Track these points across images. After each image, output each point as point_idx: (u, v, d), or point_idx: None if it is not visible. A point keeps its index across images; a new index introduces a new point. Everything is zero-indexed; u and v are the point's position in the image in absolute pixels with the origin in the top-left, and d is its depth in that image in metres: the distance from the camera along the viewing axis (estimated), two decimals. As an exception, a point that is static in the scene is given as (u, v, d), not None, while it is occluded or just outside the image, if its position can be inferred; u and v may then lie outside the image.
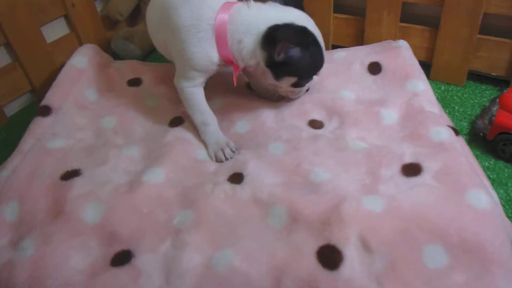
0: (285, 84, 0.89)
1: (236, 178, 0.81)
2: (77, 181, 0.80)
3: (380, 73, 1.02)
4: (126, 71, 1.14)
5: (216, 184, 0.79)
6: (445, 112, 1.00)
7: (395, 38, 1.16)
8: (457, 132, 0.88)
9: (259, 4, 0.84)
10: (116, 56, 1.35)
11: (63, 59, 1.21)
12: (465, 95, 1.10)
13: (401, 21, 1.14)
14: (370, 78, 1.03)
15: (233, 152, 0.87)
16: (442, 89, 1.13)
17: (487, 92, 1.11)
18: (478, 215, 0.68)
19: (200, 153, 0.89)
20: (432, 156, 0.79)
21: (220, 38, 0.83)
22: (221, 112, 0.99)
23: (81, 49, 1.13)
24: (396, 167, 0.79)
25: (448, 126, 0.87)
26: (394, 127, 0.89)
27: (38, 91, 1.21)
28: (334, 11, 1.23)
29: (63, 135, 0.92)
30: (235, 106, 1.01)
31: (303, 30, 0.82)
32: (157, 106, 1.03)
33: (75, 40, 1.30)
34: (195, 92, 0.90)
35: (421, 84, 0.96)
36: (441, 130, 0.84)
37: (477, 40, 1.06)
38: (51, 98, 0.99)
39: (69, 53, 1.21)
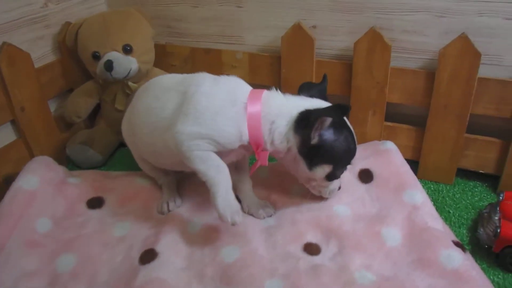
0: (319, 174, 0.84)
1: (231, 335, 0.67)
2: None
3: (372, 182, 0.96)
4: (86, 188, 1.00)
5: None
6: (442, 218, 0.93)
7: (380, 137, 1.11)
8: (463, 248, 0.81)
9: (288, 94, 0.85)
10: (71, 163, 1.20)
11: (8, 171, 1.07)
12: (456, 196, 1.05)
13: (386, 120, 1.10)
14: (362, 187, 0.95)
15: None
16: (432, 189, 1.08)
17: (476, 189, 1.07)
18: None
19: (181, 296, 0.74)
20: (450, 290, 0.70)
21: (253, 118, 0.81)
22: (202, 236, 0.87)
23: (30, 165, 0.97)
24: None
25: (454, 242, 0.80)
26: (400, 250, 0.81)
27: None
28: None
29: (7, 285, 0.75)
30: (219, 228, 0.88)
31: (338, 110, 0.77)
32: (125, 235, 0.88)
33: (23, 147, 1.14)
34: (206, 151, 0.81)
35: (419, 195, 0.90)
36: (452, 254, 0.77)
37: (464, 140, 1.03)
38: (-8, 234, 0.82)
39: (16, 164, 1.08)
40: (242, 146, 0.83)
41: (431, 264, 0.76)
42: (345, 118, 0.84)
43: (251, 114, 0.80)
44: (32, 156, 1.12)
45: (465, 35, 0.92)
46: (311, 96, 0.85)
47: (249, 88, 0.85)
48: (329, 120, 0.78)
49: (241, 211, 0.79)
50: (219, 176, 0.80)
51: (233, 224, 0.77)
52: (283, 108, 0.81)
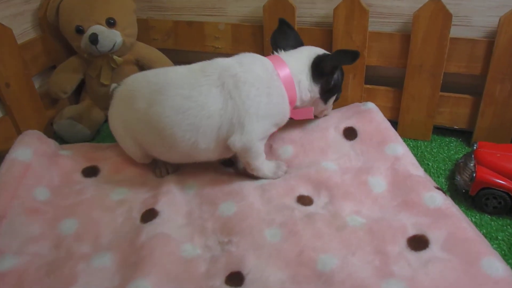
0: (329, 103, 1.00)
1: (235, 279, 0.71)
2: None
3: (357, 138, 1.01)
4: (79, 159, 1.01)
5: (213, 290, 0.68)
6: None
7: (360, 100, 1.16)
8: (444, 192, 0.88)
9: (289, 51, 0.95)
10: (59, 139, 1.21)
11: None
12: (434, 150, 1.12)
13: (365, 83, 1.16)
14: (347, 144, 1.00)
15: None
16: (411, 145, 1.14)
17: (452, 144, 1.14)
18: (498, 286, 0.67)
19: (185, 248, 0.78)
20: (434, 225, 0.78)
21: (287, 82, 0.88)
22: (199, 195, 0.91)
23: (22, 138, 0.97)
24: (402, 242, 0.76)
25: (436, 187, 0.87)
26: (386, 196, 0.87)
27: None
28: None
29: (12, 251, 0.76)
30: (215, 186, 0.92)
31: (352, 56, 0.88)
32: (123, 198, 0.90)
33: (10, 124, 1.13)
34: (262, 144, 0.89)
35: (400, 147, 0.96)
36: (434, 195, 0.83)
37: (439, 98, 1.10)
38: (-8, 204, 0.83)
39: (3, 141, 1.08)
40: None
41: (415, 205, 0.82)
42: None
43: (285, 80, 0.87)
44: (19, 133, 1.11)
45: (438, -3, 0.97)
46: (295, 46, 0.96)
47: (267, 59, 0.90)
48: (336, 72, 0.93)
49: (279, 163, 0.94)
50: (262, 161, 0.90)
51: (283, 174, 0.92)
52: (299, 66, 0.91)
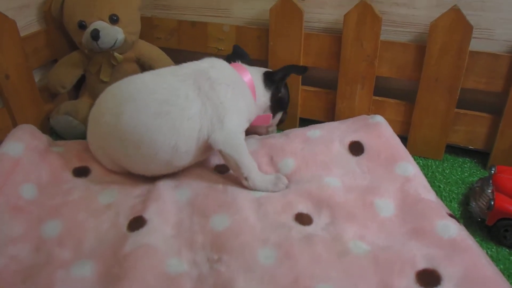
0: (276, 119, 1.07)
1: (223, 302, 0.66)
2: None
3: (363, 154, 0.95)
4: (70, 157, 0.97)
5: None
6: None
7: (368, 112, 1.11)
8: (458, 221, 0.80)
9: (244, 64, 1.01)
10: (54, 134, 1.18)
11: None
12: (446, 171, 1.05)
13: (374, 94, 1.09)
14: (353, 159, 0.94)
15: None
16: (421, 164, 1.08)
17: (466, 165, 1.07)
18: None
19: (171, 263, 0.73)
20: (448, 259, 0.70)
21: (250, 86, 0.96)
22: (191, 204, 0.85)
23: (15, 132, 0.94)
24: (411, 275, 0.68)
25: (449, 215, 0.80)
26: (393, 221, 0.80)
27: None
28: (302, 83, 1.16)
29: (-9, 250, 0.72)
30: (208, 194, 0.87)
31: (302, 68, 1.03)
32: (112, 202, 0.85)
33: (7, 116, 1.10)
34: (242, 137, 0.91)
35: (411, 167, 0.89)
36: (448, 224, 0.76)
37: (454, 114, 1.03)
38: (-24, 199, 0.79)
39: None
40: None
41: (427, 234, 0.75)
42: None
43: (248, 83, 0.95)
44: (15, 125, 1.09)
45: (457, 7, 0.91)
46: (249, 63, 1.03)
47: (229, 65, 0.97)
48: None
49: (278, 175, 0.90)
50: (250, 160, 0.88)
51: (284, 188, 0.88)
52: (255, 73, 0.99)
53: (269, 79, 1.00)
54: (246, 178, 0.87)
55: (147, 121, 0.83)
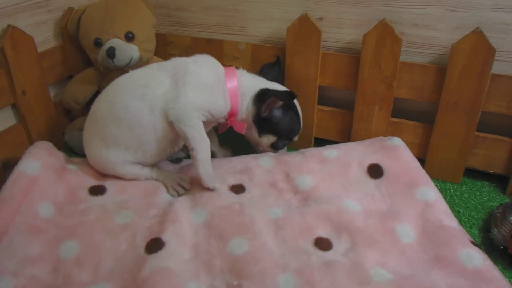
0: (265, 142, 1.03)
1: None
2: None
3: (382, 177, 0.93)
4: (87, 175, 0.97)
5: None
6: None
7: (385, 133, 1.10)
8: (481, 249, 0.79)
9: (253, 74, 1.03)
10: (68, 150, 1.17)
11: (6, 155, 1.04)
12: (464, 195, 1.04)
13: (391, 116, 1.09)
14: (372, 183, 0.93)
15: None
16: (439, 187, 1.06)
17: (484, 189, 1.06)
18: None
19: (190, 286, 0.71)
20: (474, 290, 0.68)
21: (232, 92, 0.96)
22: (207, 225, 0.84)
23: (32, 150, 0.93)
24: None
25: (471, 242, 0.78)
26: (415, 248, 0.79)
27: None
28: (319, 103, 1.15)
29: (9, 271, 0.72)
30: (225, 216, 0.85)
31: (288, 96, 0.97)
32: (128, 223, 0.85)
33: (23, 131, 1.10)
34: (197, 117, 0.92)
35: (432, 192, 0.88)
36: (471, 253, 0.75)
37: (474, 138, 1.01)
38: (-6, 219, 0.78)
39: (13, 148, 1.06)
40: (225, 117, 0.99)
41: (449, 263, 0.74)
42: (296, 102, 1.02)
43: (230, 89, 0.96)
44: (30, 141, 1.10)
45: (480, 29, 0.90)
46: (270, 79, 1.02)
47: (222, 66, 0.99)
48: (280, 101, 0.97)
49: (217, 179, 0.94)
50: (206, 147, 0.92)
51: (213, 190, 0.92)
52: (250, 84, 0.98)
53: (257, 96, 0.97)
54: (192, 149, 0.91)
55: (133, 103, 0.92)
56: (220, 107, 0.96)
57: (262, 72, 1.06)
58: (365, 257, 0.76)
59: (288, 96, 0.97)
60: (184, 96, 0.91)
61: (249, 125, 1.00)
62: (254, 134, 1.02)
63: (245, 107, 0.98)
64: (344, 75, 1.09)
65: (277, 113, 0.99)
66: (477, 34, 0.91)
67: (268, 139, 1.02)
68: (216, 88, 0.95)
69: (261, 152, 1.06)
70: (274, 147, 1.04)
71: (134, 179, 0.97)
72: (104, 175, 0.98)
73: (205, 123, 0.95)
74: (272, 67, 1.09)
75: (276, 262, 0.75)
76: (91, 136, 0.98)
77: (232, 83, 0.97)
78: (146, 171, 0.98)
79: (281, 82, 1.05)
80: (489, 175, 1.08)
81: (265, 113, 0.98)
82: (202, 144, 0.92)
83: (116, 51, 1.07)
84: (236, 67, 1.00)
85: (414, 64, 1.02)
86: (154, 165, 1.01)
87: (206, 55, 1.00)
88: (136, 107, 0.92)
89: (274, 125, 1.00)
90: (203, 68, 0.96)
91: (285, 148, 1.09)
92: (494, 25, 0.94)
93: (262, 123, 1.00)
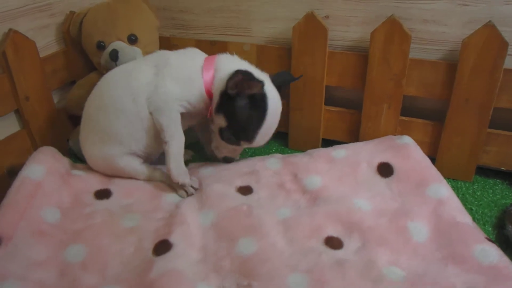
0: (216, 121, 0.95)
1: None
2: None
3: (393, 176, 0.91)
4: (92, 179, 0.95)
5: None
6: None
7: (395, 132, 1.07)
8: (497, 245, 0.76)
9: (238, 58, 0.99)
10: (73, 156, 1.16)
11: (11, 161, 1.03)
12: (477, 193, 1.01)
13: (401, 114, 1.06)
14: (382, 181, 0.91)
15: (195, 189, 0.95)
16: (451, 186, 1.02)
17: (497, 187, 1.03)
18: None
19: (199, 288, 0.70)
20: (491, 287, 0.66)
21: (208, 83, 0.94)
22: (216, 227, 0.83)
23: (36, 155, 0.93)
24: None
25: (487, 239, 0.76)
26: (428, 246, 0.77)
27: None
28: (326, 103, 1.13)
29: (15, 275, 0.70)
30: (233, 217, 0.84)
31: (262, 87, 0.89)
32: (135, 226, 0.83)
33: (27, 138, 1.09)
34: (174, 108, 0.94)
35: (444, 190, 0.86)
36: (487, 249, 0.73)
37: (486, 135, 0.99)
38: (-1, 224, 0.77)
39: (18, 154, 1.04)
40: (206, 107, 0.97)
41: (464, 260, 0.71)
42: (275, 113, 0.94)
43: (206, 81, 0.94)
44: (35, 147, 1.08)
45: (492, 23, 0.88)
46: (279, 81, 0.98)
47: (205, 56, 0.99)
48: (253, 88, 0.88)
49: (194, 179, 0.95)
50: (179, 141, 0.93)
51: (183, 185, 0.92)
52: (229, 67, 0.93)
53: (230, 75, 0.89)
54: (166, 143, 0.92)
55: (117, 93, 0.95)
56: (197, 98, 0.95)
57: (277, 75, 1.00)
58: (377, 255, 0.74)
59: (256, 81, 0.87)
60: (161, 86, 0.93)
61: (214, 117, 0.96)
62: (213, 109, 0.95)
63: (217, 86, 0.93)
64: (351, 74, 1.07)
65: (243, 100, 0.89)
66: (490, 28, 0.89)
67: (219, 120, 0.93)
68: (194, 78, 0.95)
69: (211, 152, 1.05)
70: (221, 135, 0.96)
71: (135, 177, 0.97)
72: (109, 179, 0.97)
73: (189, 116, 0.97)
74: (288, 74, 1.05)
75: (286, 262, 0.73)
76: (87, 135, 0.99)
77: (208, 75, 0.96)
78: (146, 169, 0.98)
79: (279, 88, 0.98)
80: (501, 173, 1.06)
81: (233, 91, 0.88)
82: (175, 138, 0.92)
83: (119, 54, 1.06)
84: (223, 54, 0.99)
85: (424, 61, 1.00)
86: (156, 166, 1.01)
87: (192, 48, 1.02)
88: (119, 96, 0.95)
89: (232, 109, 0.90)
90: (181, 60, 0.98)
91: (238, 157, 1.04)
92: (506, 18, 0.92)
93: (225, 100, 0.91)
